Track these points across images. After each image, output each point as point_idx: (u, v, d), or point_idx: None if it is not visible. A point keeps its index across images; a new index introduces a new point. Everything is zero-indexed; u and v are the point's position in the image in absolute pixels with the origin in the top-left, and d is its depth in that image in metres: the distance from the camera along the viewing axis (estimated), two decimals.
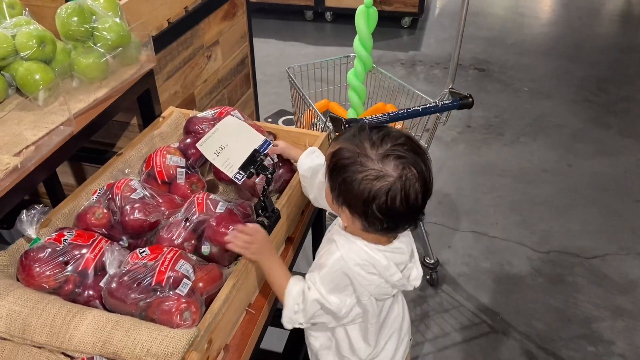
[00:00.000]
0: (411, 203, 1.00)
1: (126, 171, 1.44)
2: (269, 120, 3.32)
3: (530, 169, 2.85)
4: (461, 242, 2.39)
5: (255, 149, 1.19)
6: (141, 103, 1.64)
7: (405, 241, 1.13)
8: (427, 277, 2.21)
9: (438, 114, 1.84)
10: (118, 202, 1.24)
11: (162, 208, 1.26)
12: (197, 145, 1.13)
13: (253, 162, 1.16)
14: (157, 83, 1.74)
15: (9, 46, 1.29)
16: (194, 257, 1.13)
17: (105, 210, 1.25)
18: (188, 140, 1.46)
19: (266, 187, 1.19)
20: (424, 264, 2.22)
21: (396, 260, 1.10)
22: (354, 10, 2.02)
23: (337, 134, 1.64)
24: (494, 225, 2.48)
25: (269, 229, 1.23)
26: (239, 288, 1.13)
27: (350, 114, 2.11)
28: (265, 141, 1.23)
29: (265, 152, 1.21)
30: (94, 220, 1.24)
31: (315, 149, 1.36)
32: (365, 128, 1.05)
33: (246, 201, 1.31)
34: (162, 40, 1.73)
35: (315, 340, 1.26)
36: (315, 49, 4.20)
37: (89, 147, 1.87)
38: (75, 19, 1.33)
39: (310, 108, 1.97)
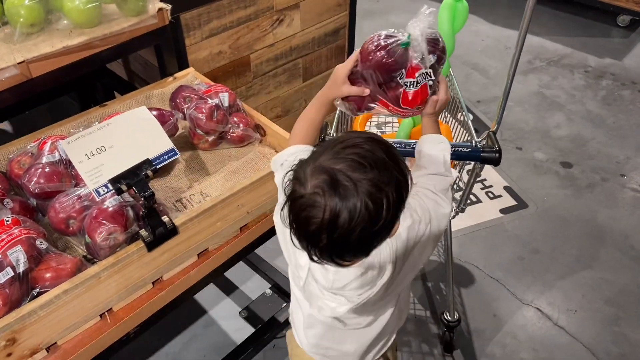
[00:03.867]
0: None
1: (95, 124, 1.40)
2: None
3: None
4: (513, 316, 1.91)
5: (147, 159, 1.02)
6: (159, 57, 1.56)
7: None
8: (440, 332, 1.84)
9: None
10: (35, 159, 1.21)
11: (74, 181, 1.20)
12: (63, 142, 1.00)
13: (133, 175, 1.00)
14: (192, 39, 1.64)
15: None
16: (45, 246, 1.05)
17: (29, 161, 1.23)
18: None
19: (148, 204, 1.02)
20: (441, 319, 1.82)
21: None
22: None
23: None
24: (570, 313, 1.92)
25: (148, 245, 1.08)
26: (78, 295, 1.03)
27: (403, 125, 1.75)
28: (170, 151, 1.04)
29: (161, 165, 1.03)
30: (16, 169, 1.23)
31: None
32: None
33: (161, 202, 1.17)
34: None
35: None
36: (554, 45, 3.43)
37: None
38: None
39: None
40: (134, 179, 1.00)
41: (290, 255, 0.99)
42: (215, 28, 1.69)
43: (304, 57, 2.05)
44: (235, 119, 1.40)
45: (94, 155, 1.00)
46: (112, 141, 1.01)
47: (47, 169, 1.16)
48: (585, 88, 3.09)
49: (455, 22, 1.55)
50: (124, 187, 0.99)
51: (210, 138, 1.38)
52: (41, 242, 1.05)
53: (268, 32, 1.86)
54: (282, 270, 1.90)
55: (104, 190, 0.99)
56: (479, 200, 2.36)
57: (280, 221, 0.85)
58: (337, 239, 0.77)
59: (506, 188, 2.42)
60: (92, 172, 0.99)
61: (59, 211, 1.11)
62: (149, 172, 1.01)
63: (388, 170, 0.78)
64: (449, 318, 1.79)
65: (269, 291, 1.83)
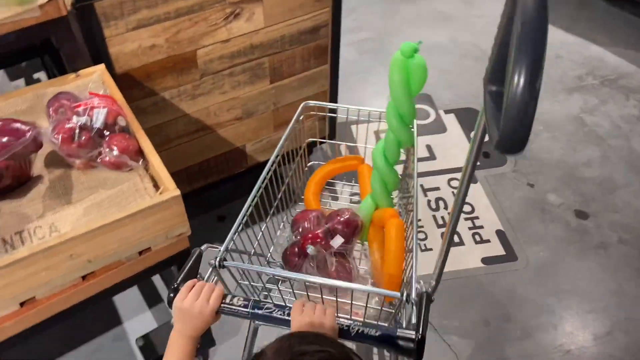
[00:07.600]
0: None
1: None
2: None
3: None
4: None
5: None
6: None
7: None
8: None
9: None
10: None
11: None
12: None
13: None
14: (113, 30, 1.42)
15: None
16: None
17: None
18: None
19: None
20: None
21: None
22: None
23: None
24: None
25: None
26: None
27: (363, 206, 1.41)
28: None
29: None
30: None
31: None
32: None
33: None
34: None
35: None
36: (616, 59, 2.94)
37: None
38: None
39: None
40: None
41: None
42: (144, 19, 1.46)
43: (270, 57, 1.79)
44: (113, 141, 1.19)
45: None
46: None
47: None
48: (638, 120, 2.60)
49: (411, 83, 1.17)
50: None
51: (77, 161, 1.18)
52: None
53: (220, 26, 1.61)
54: None
55: None
56: (461, 243, 2.04)
57: None
58: None
59: (499, 232, 2.07)
60: None
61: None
62: None
63: None
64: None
65: None
